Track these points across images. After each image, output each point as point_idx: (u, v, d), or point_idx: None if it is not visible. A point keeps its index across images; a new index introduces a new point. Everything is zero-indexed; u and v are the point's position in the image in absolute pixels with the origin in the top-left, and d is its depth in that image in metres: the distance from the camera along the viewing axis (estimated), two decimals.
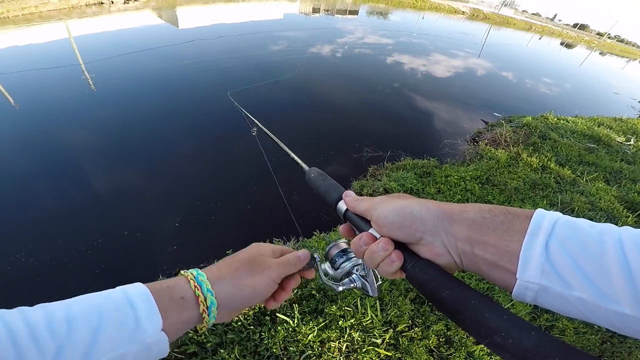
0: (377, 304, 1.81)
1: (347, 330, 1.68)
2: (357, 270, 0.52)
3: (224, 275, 0.44)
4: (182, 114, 4.49)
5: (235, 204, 2.96)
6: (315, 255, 0.54)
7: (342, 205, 0.50)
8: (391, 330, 1.71)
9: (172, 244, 2.55)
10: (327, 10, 17.79)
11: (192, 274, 0.42)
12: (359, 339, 1.65)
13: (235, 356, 1.53)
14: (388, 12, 21.00)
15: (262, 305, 0.53)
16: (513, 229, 0.33)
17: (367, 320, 1.73)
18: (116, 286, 0.39)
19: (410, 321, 1.78)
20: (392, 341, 1.68)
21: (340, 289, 0.52)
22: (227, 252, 2.34)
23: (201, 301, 0.40)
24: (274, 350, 1.58)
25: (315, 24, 13.40)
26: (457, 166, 3.65)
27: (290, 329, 1.65)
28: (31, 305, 0.33)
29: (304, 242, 2.35)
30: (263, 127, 1.12)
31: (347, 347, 1.63)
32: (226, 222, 2.78)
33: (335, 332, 1.66)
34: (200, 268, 0.45)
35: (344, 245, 0.56)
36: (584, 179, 3.57)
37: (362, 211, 0.45)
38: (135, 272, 2.35)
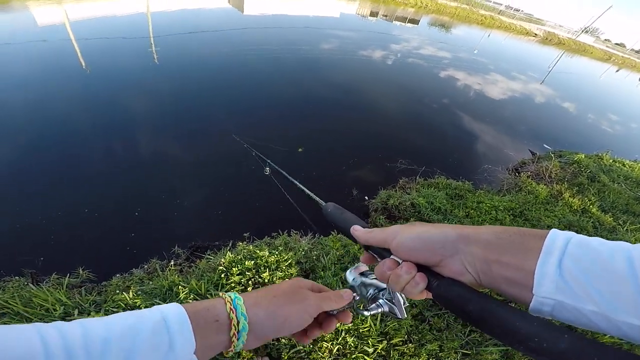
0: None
1: (343, 334, 1.72)
2: (382, 295, 0.52)
3: (260, 302, 0.45)
4: (228, 97, 4.79)
5: (255, 193, 3.11)
6: (357, 297, 0.55)
7: None
8: (385, 342, 1.73)
9: (192, 219, 2.74)
10: (386, 15, 17.68)
11: (230, 297, 0.43)
12: (352, 344, 1.68)
13: None
14: (451, 26, 20.40)
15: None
16: (527, 248, 0.35)
17: (365, 328, 1.77)
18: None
19: (406, 336, 1.79)
20: (383, 352, 1.70)
21: (367, 314, 0.52)
22: (245, 234, 2.50)
23: (233, 324, 0.41)
24: None
25: (370, 27, 13.43)
26: (492, 194, 3.57)
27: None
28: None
29: (320, 240, 2.46)
30: (279, 169, 1.16)
31: (338, 349, 1.66)
32: (245, 210, 2.94)
33: (330, 333, 1.70)
34: (240, 291, 0.47)
35: (364, 268, 0.57)
36: (625, 228, 3.35)
37: (378, 242, 0.48)
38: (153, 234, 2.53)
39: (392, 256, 0.46)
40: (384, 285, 0.53)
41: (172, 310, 0.38)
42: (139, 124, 3.87)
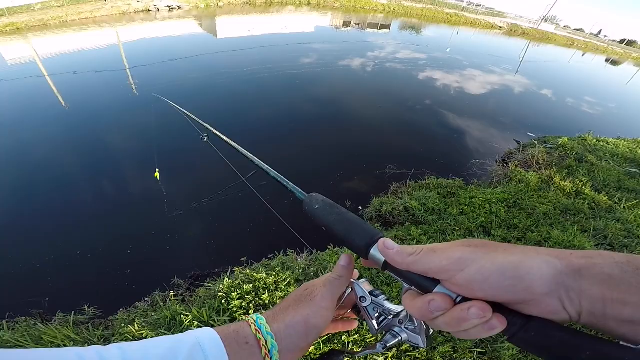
0: None
1: (350, 346, 1.68)
2: (399, 322, 0.43)
3: (277, 317, 0.44)
4: (212, 122, 4.70)
5: (249, 215, 3.06)
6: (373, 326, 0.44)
7: (379, 254, 0.38)
8: (394, 349, 1.68)
9: (188, 250, 2.71)
10: (358, 24, 18.05)
11: (252, 318, 0.43)
12: None
13: None
14: (421, 27, 20.95)
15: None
16: None
17: (372, 337, 1.71)
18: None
19: None
20: None
21: (382, 349, 0.43)
22: (242, 258, 2.46)
23: (262, 345, 0.40)
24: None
25: (346, 38, 13.62)
26: (484, 188, 3.55)
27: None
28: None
29: (317, 255, 2.38)
30: (249, 154, 0.91)
31: None
32: (240, 235, 2.90)
33: (337, 346, 1.67)
34: (243, 314, 0.46)
35: (368, 287, 0.47)
36: (622, 205, 3.35)
37: (428, 271, 0.35)
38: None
39: (439, 288, 0.34)
40: (400, 308, 0.44)
41: (206, 335, 0.39)
42: (124, 159, 3.78)
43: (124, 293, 2.30)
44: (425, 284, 0.35)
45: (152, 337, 0.42)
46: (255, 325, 0.41)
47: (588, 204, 3.31)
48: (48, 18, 10.76)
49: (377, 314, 0.44)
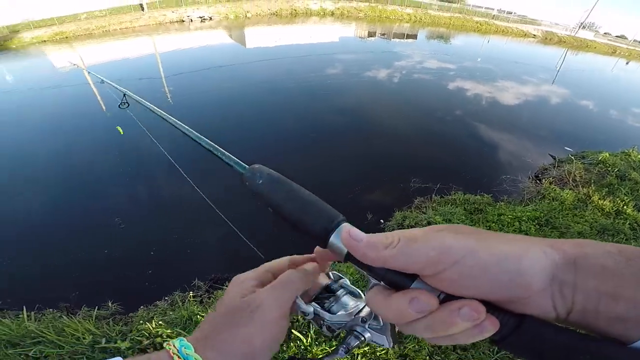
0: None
1: (359, 358, 1.65)
2: (362, 321, 0.37)
3: (210, 342, 0.33)
4: (242, 131, 4.83)
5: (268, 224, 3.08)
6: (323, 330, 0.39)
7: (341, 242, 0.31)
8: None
9: (208, 254, 2.84)
10: (384, 34, 17.99)
11: (174, 347, 0.31)
12: None
13: None
14: (449, 37, 20.58)
15: None
16: None
17: (382, 350, 1.68)
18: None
19: (427, 357, 1.68)
20: None
21: (344, 353, 0.37)
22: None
23: None
24: None
25: (371, 48, 13.63)
26: (514, 205, 3.40)
27: (302, 347, 1.68)
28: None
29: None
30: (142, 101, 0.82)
31: None
32: (261, 239, 2.91)
33: (346, 357, 1.64)
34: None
35: (323, 281, 0.42)
36: None
37: (411, 265, 0.27)
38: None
39: (417, 284, 0.28)
40: (362, 305, 0.38)
41: None
42: (150, 165, 3.95)
43: (146, 292, 2.42)
44: (400, 280, 0.28)
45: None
46: (179, 357, 0.30)
47: (629, 224, 3.08)
48: (93, 27, 11.62)
49: (327, 324, 0.39)
